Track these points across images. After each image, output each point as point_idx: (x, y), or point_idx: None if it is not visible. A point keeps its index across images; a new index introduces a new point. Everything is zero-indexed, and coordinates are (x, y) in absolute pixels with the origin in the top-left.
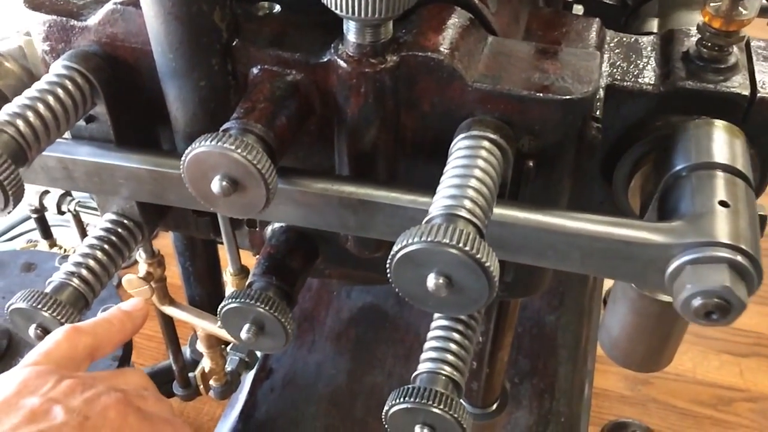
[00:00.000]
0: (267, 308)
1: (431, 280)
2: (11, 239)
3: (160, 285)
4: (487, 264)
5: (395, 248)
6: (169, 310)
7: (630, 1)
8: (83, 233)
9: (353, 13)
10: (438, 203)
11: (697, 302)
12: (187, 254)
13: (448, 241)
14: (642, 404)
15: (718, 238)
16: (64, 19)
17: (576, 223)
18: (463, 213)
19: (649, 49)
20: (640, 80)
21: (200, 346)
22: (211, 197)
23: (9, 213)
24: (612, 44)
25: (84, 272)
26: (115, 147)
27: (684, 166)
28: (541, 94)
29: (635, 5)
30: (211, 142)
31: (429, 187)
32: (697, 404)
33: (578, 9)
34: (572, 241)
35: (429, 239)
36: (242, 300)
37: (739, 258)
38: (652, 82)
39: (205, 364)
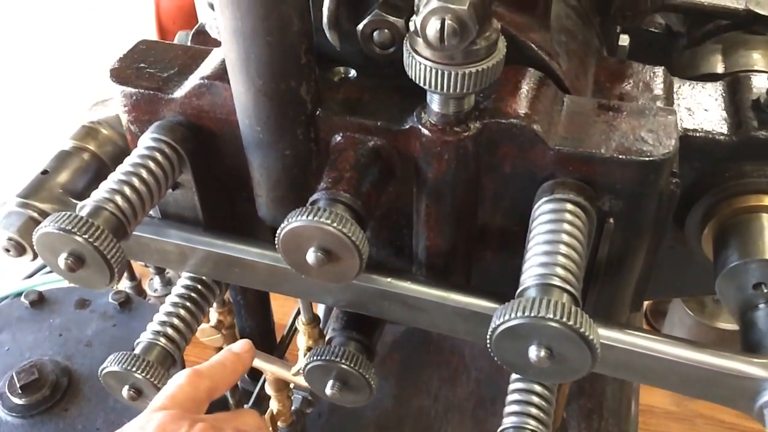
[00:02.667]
0: (350, 365)
1: (533, 353)
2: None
3: (230, 331)
4: (590, 336)
5: (496, 322)
6: None
7: (678, 28)
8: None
9: (441, 89)
10: (530, 271)
11: None
12: (239, 288)
13: (551, 316)
14: (689, 420)
15: None
16: (151, 92)
17: (677, 350)
18: (557, 282)
19: (716, 96)
20: (712, 130)
21: (268, 389)
22: (305, 267)
23: (113, 288)
24: (679, 92)
25: (169, 331)
26: (204, 232)
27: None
28: (624, 156)
29: (692, 43)
30: (306, 216)
31: (508, 243)
32: (744, 418)
33: (624, 38)
34: (672, 366)
35: (530, 314)
36: (325, 357)
37: None
38: (725, 132)
39: (273, 406)
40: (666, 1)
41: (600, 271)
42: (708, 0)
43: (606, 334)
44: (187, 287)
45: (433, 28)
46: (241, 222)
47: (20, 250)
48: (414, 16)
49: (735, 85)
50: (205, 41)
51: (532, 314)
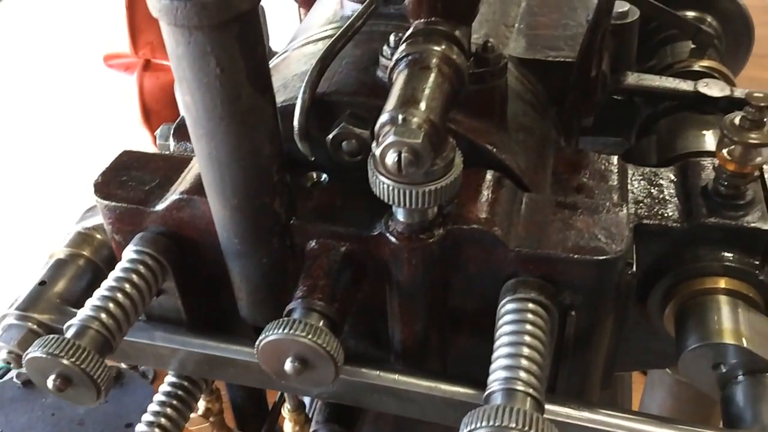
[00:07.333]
0: None
1: None
2: None
3: (219, 418)
4: None
5: (464, 430)
6: None
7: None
8: None
9: (403, 205)
10: (496, 374)
11: None
12: None
13: (513, 426)
14: None
15: None
16: (134, 206)
17: (657, 428)
18: (521, 386)
19: (666, 183)
20: (664, 217)
21: None
22: (283, 375)
23: (100, 403)
24: (633, 178)
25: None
26: (200, 335)
27: (742, 372)
28: (578, 256)
29: (647, 120)
30: (282, 329)
31: (479, 331)
32: None
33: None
34: None
35: (494, 424)
36: None
37: None
38: (677, 219)
39: None
40: (618, 86)
41: (567, 357)
42: (659, 83)
43: (581, 416)
44: (173, 384)
45: (391, 159)
46: (224, 317)
47: (20, 363)
48: (374, 142)
49: (685, 171)
50: (186, 134)
51: (497, 423)
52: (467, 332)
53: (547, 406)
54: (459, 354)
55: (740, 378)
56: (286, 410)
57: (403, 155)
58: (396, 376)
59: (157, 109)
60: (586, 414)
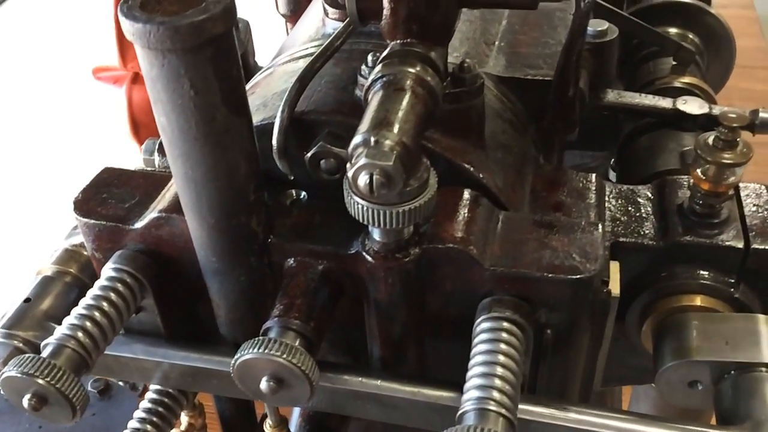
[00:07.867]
0: None
1: None
2: None
3: None
4: None
5: None
6: None
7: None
8: None
9: (378, 225)
10: (470, 394)
11: None
12: None
13: None
14: None
15: None
16: (113, 224)
17: (651, 429)
18: (494, 407)
19: (643, 201)
20: (641, 235)
21: None
22: (259, 393)
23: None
24: (611, 196)
25: None
26: (168, 343)
27: (734, 368)
28: (552, 275)
29: (629, 135)
30: (257, 349)
31: (456, 357)
32: None
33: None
34: None
35: None
36: None
37: None
38: (653, 237)
39: None
40: (598, 103)
41: (543, 375)
42: (638, 100)
43: (567, 416)
44: (153, 400)
45: (363, 181)
46: (204, 334)
47: None
48: (348, 164)
49: (662, 189)
50: None
51: None
52: (447, 343)
53: (533, 408)
54: (440, 361)
55: (732, 374)
56: (267, 426)
57: (374, 177)
58: (379, 382)
59: (146, 122)
60: (572, 415)
